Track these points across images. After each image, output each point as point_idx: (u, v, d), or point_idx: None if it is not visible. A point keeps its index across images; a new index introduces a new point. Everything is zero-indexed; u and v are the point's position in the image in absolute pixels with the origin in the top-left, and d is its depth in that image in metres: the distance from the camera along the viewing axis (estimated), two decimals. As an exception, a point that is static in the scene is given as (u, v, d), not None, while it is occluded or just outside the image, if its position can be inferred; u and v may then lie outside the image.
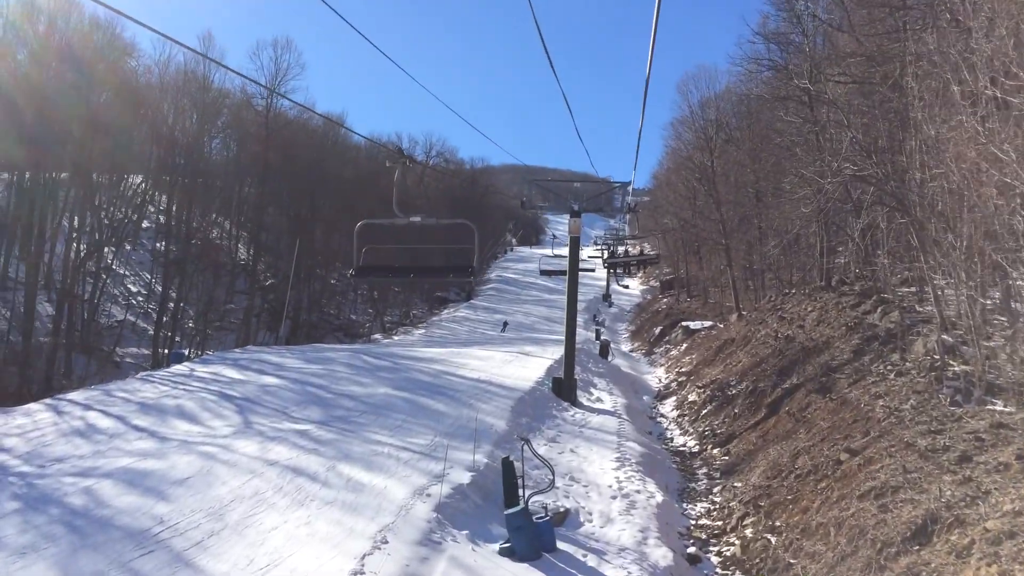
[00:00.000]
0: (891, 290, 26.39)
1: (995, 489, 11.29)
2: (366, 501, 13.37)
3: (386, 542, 11.64)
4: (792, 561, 12.58)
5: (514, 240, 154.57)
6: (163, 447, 17.13)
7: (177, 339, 48.57)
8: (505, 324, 56.63)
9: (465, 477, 14.90)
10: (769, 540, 13.62)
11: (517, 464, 14.95)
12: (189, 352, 44.30)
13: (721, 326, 45.38)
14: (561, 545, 12.86)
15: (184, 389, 23.92)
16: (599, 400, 26.57)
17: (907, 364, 17.54)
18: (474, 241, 13.99)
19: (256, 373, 26.29)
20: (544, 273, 44.47)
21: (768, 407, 21.68)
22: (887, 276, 26.54)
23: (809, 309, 28.09)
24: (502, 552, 12.41)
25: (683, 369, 37.31)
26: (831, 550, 12.13)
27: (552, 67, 14.27)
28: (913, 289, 26.50)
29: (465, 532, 12.72)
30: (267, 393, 23.13)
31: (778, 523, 14.11)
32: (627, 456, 19.10)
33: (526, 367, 29.05)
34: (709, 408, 25.55)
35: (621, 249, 63.79)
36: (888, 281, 26.83)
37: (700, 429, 24.23)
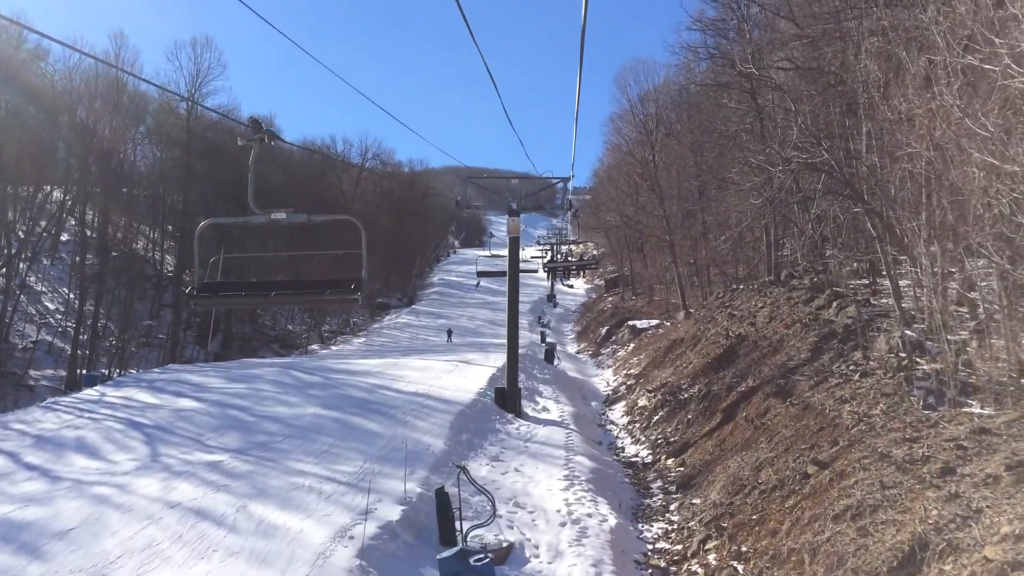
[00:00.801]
0: (843, 283, 25.45)
1: (987, 507, 10.03)
2: (278, 549, 11.58)
3: (297, 603, 9.91)
4: (763, 595, 11.19)
5: (456, 242, 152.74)
6: (52, 490, 15.07)
7: (102, 359, 45.69)
8: (449, 333, 54.19)
9: (395, 512, 13.20)
10: (736, 569, 12.22)
11: (455, 492, 13.34)
12: (109, 372, 41.61)
13: (668, 324, 44.34)
14: (504, 590, 11.28)
15: (89, 418, 21.73)
16: (545, 410, 25.07)
17: (871, 363, 16.37)
18: (362, 245, 11.03)
19: (172, 396, 24.16)
20: (481, 275, 42.82)
21: (723, 412, 20.41)
22: (839, 269, 25.60)
23: (759, 305, 27.00)
24: (436, 603, 10.78)
25: (631, 371, 36.05)
26: (807, 581, 10.78)
27: (483, 59, 12.67)
28: (865, 282, 25.62)
29: (393, 581, 11.05)
30: (181, 419, 21.08)
31: (744, 548, 12.72)
32: (576, 473, 17.61)
33: (467, 377, 27.42)
34: (661, 414, 24.23)
35: (564, 249, 62.60)
36: (840, 274, 25.89)
37: (652, 437, 22.88)
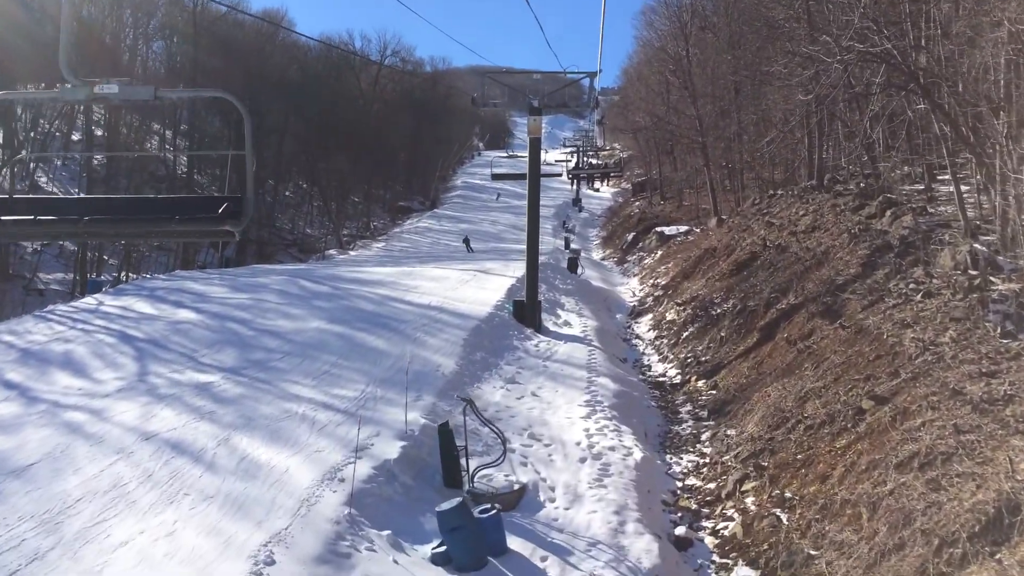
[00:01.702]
0: (896, 190, 23.29)
1: (1092, 462, 8.42)
2: (258, 493, 10.21)
3: (271, 562, 8.53)
4: (813, 552, 9.69)
5: (481, 144, 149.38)
6: (24, 414, 13.80)
7: (111, 262, 44.56)
8: (467, 241, 47.99)
9: (394, 449, 11.78)
10: (779, 518, 10.71)
11: (463, 424, 11.88)
12: (119, 276, 40.53)
13: (699, 231, 42.27)
14: (513, 543, 9.86)
15: (82, 329, 20.46)
16: (567, 324, 23.50)
17: (934, 281, 14.46)
18: (245, 141, 7.08)
19: (172, 306, 22.81)
20: (496, 177, 40.63)
21: (761, 331, 18.69)
22: (891, 173, 23.42)
23: (801, 213, 24.90)
24: (435, 559, 9.41)
25: (659, 280, 34.28)
26: (865, 541, 9.24)
27: None
28: (919, 187, 23.44)
29: (387, 532, 9.66)
30: (177, 332, 19.73)
31: (788, 493, 11.19)
32: (599, 397, 16.11)
33: (485, 288, 25.81)
34: (691, 330, 22.58)
35: (590, 153, 60.32)
36: (892, 179, 23.71)
37: (682, 355, 21.30)
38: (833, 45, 17.18)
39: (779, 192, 30.00)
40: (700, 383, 18.77)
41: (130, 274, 42.55)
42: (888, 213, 19.14)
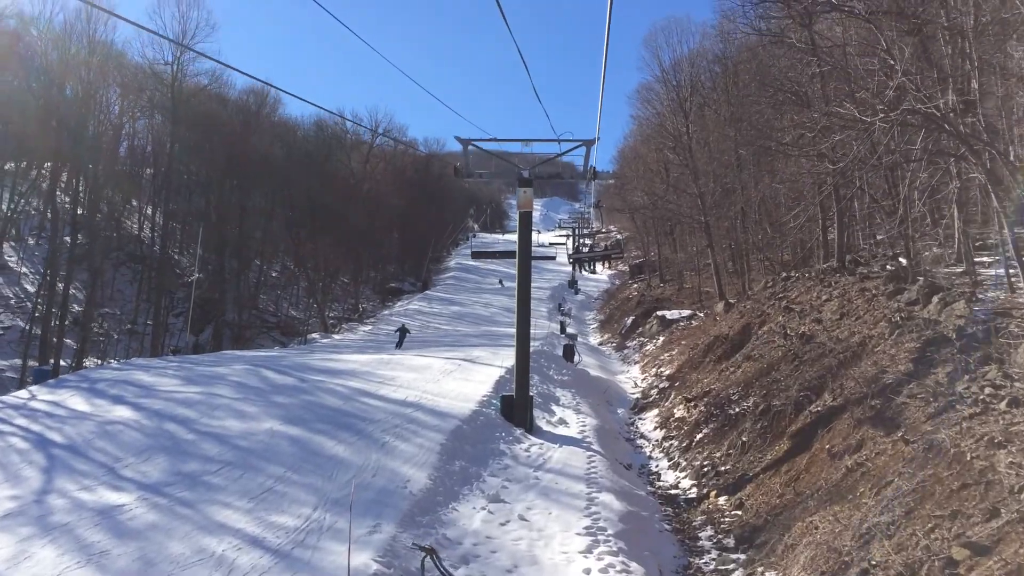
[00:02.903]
0: (928, 272, 20.77)
1: None
2: None
3: None
4: None
5: (476, 226, 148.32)
6: None
7: (72, 347, 41.67)
8: (402, 332, 36.25)
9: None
10: None
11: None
12: (76, 362, 37.58)
13: (703, 316, 39.71)
14: None
15: (-3, 430, 17.53)
16: (562, 422, 20.58)
17: (1016, 384, 11.70)
18: None
19: (110, 402, 19.91)
20: (477, 256, 38.19)
21: (792, 438, 15.81)
22: (929, 253, 20.96)
23: (824, 297, 22.31)
24: None
25: (663, 370, 31.47)
26: None
27: (506, 22, 8.21)
28: (957, 269, 20.91)
29: None
30: (105, 435, 16.80)
31: None
32: (601, 523, 13.14)
33: (470, 380, 22.96)
34: (705, 431, 19.65)
35: (586, 240, 58.41)
36: (927, 260, 21.22)
37: (696, 462, 18.32)
38: (867, 106, 14.83)
39: (794, 274, 27.47)
40: (721, 500, 15.78)
41: (88, 360, 39.60)
42: (936, 300, 16.50)
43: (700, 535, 14.54)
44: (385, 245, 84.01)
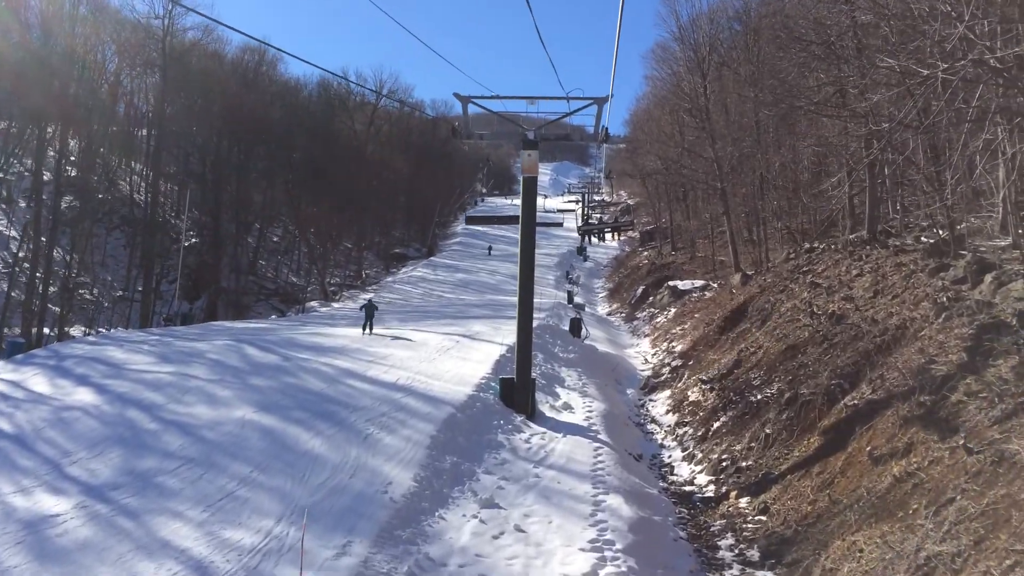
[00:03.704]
0: (972, 245, 18.82)
1: None
2: None
3: None
4: None
5: (484, 190, 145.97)
6: None
7: (61, 314, 40.06)
8: (368, 311, 27.32)
9: None
10: None
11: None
12: (59, 331, 36.02)
13: (716, 287, 37.85)
14: None
15: (-56, 416, 15.94)
16: (567, 407, 18.90)
17: (1102, 385, 9.89)
18: None
19: (73, 383, 18.32)
20: (471, 221, 36.33)
21: (824, 434, 14.05)
22: (970, 223, 19.01)
23: (854, 272, 20.42)
24: None
25: (675, 345, 29.70)
26: None
27: None
28: (1003, 243, 18.95)
29: None
30: (59, 423, 15.21)
31: None
32: (609, 533, 11.55)
33: (468, 359, 21.27)
34: (723, 420, 17.91)
35: (595, 212, 56.77)
36: (968, 231, 19.26)
37: (714, 455, 16.61)
38: (920, 59, 12.81)
39: (819, 246, 25.54)
40: (743, 501, 14.10)
41: (75, 329, 38.06)
42: (989, 279, 14.60)
43: (720, 544, 12.87)
44: (390, 209, 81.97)
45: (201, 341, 23.59)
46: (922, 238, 21.57)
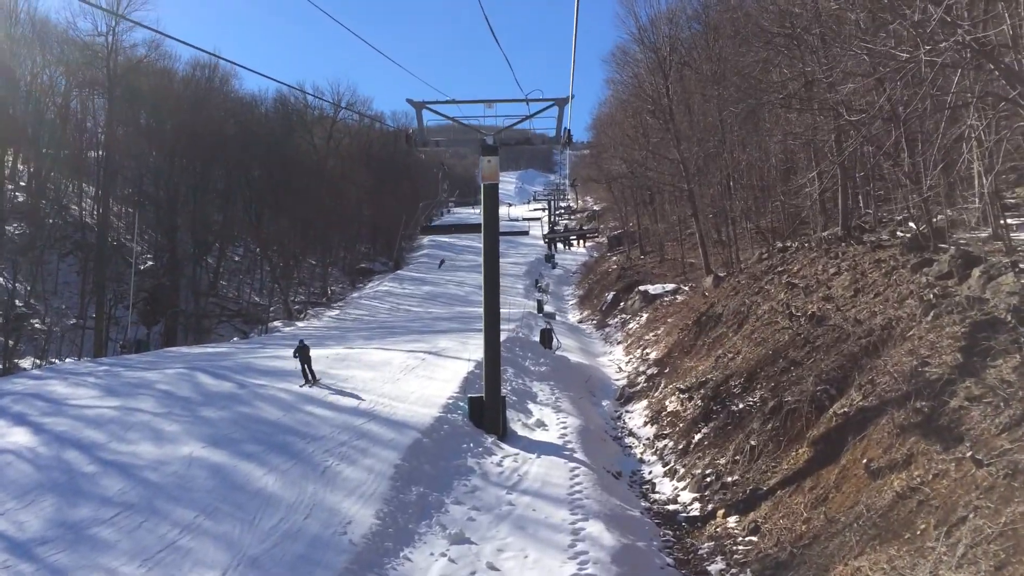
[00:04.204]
0: (950, 238, 18.19)
1: None
2: None
3: None
4: None
5: (452, 200, 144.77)
6: None
7: (19, 347, 38.37)
8: (301, 356, 20.61)
9: None
10: None
11: None
12: (12, 363, 34.45)
13: (687, 289, 37.18)
14: None
15: None
16: (540, 424, 17.93)
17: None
18: None
19: (9, 423, 17.01)
20: (426, 231, 34.80)
21: (814, 445, 13.21)
22: (947, 215, 18.41)
23: (831, 271, 19.73)
24: None
25: (649, 352, 28.90)
26: None
27: None
28: (983, 235, 18.34)
29: None
30: (-12, 470, 13.93)
31: None
32: (589, 567, 10.66)
33: (434, 378, 20.23)
34: (705, 431, 17.04)
35: (561, 219, 56.09)
36: (947, 223, 18.66)
37: (697, 470, 15.72)
38: (907, 39, 12.08)
39: (792, 244, 24.87)
40: (731, 520, 13.21)
41: (25, 361, 36.41)
42: (977, 273, 13.91)
43: (709, 569, 11.98)
44: (354, 224, 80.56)
45: (152, 370, 22.30)
46: (898, 232, 20.94)
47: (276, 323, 51.09)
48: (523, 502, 13.10)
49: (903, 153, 18.07)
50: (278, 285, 58.41)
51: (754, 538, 12.30)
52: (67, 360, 34.59)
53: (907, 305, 14.93)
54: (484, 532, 11.80)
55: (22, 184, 56.87)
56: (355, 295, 63.55)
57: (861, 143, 15.93)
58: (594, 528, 11.97)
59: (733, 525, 13.03)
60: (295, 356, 20.13)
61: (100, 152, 53.20)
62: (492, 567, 10.60)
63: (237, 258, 67.18)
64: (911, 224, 20.97)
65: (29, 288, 44.93)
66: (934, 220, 18.50)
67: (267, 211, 64.42)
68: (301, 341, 20.53)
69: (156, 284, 49.60)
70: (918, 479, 9.97)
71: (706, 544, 12.83)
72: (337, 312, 54.72)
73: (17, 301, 43.75)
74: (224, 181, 59.57)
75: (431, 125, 19.22)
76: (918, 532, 9.10)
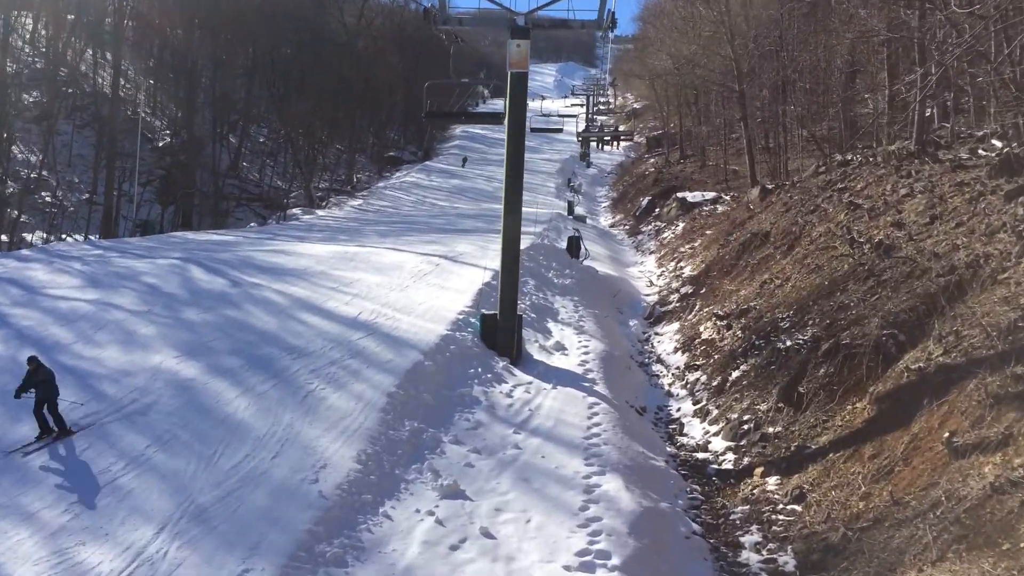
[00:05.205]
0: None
1: None
2: None
3: None
4: None
5: (487, 92, 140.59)
6: None
7: (23, 219, 36.93)
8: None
9: None
10: None
11: None
12: (11, 241, 33.07)
13: (728, 199, 34.67)
14: None
15: None
16: (559, 348, 16.09)
17: None
18: None
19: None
20: (430, 117, 32.18)
21: (879, 402, 11.22)
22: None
23: (903, 192, 17.30)
24: None
25: (684, 267, 26.79)
26: None
27: None
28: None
29: None
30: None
31: None
32: (603, 539, 9.02)
33: (446, 287, 18.35)
34: (744, 367, 15.10)
35: (600, 112, 53.11)
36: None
37: (733, 415, 13.85)
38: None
39: (855, 158, 22.28)
40: (771, 481, 11.41)
41: (34, 236, 35.09)
42: (1097, 207, 11.55)
43: (743, 541, 10.26)
44: (385, 110, 77.53)
45: (146, 258, 20.65)
46: (980, 151, 18.34)
47: (295, 211, 49.26)
48: (532, 445, 11.37)
49: (1004, 54, 15.36)
50: (300, 169, 56.30)
51: (798, 507, 10.51)
52: (73, 238, 33.20)
53: (999, 240, 12.65)
54: (483, 483, 10.11)
55: (42, 50, 54.67)
56: (380, 185, 61.36)
57: (971, 42, 13.21)
58: (611, 485, 10.25)
59: (773, 488, 11.23)
60: (22, 392, 10.48)
61: (116, 18, 50.63)
62: (486, 533, 8.92)
63: (262, 139, 64.94)
64: (995, 142, 18.40)
65: (42, 159, 43.29)
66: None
67: (293, 92, 61.65)
68: (34, 358, 10.86)
69: (173, 161, 47.69)
70: (1022, 470, 7.99)
71: (740, 508, 11.07)
72: (360, 202, 52.71)
73: (30, 172, 42.25)
74: (247, 56, 56.79)
75: (458, 7, 16.74)
76: (1022, 545, 7.19)
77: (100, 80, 50.84)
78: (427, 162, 71.72)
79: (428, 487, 9.84)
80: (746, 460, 12.35)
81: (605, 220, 48.00)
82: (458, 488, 9.88)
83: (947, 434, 9.26)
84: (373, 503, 9.20)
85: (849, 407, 11.74)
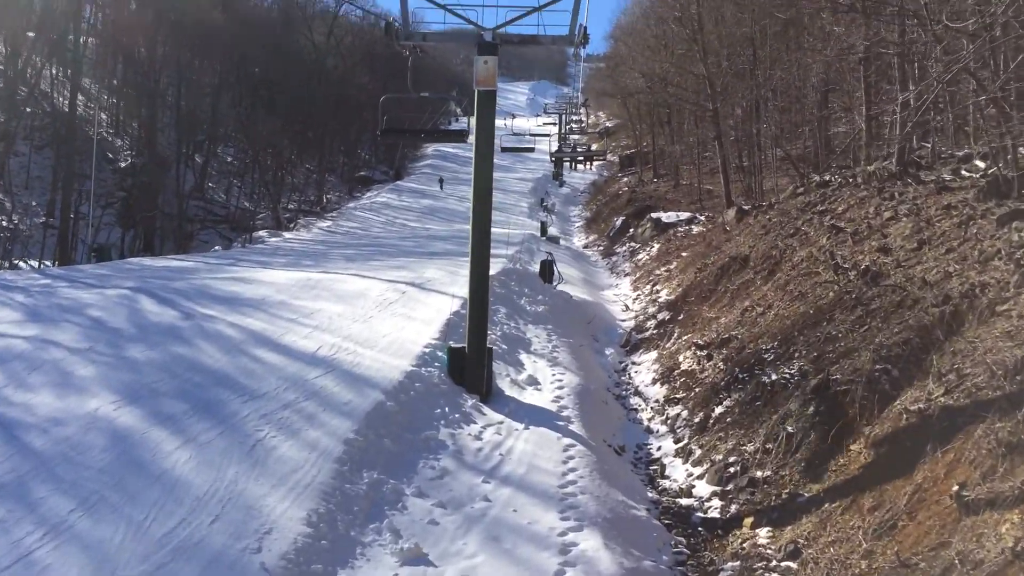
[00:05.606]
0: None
1: None
2: None
3: None
4: None
5: (459, 110, 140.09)
6: None
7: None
8: None
9: None
10: None
11: None
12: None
13: (703, 219, 34.13)
14: None
15: None
16: (532, 381, 15.24)
17: None
18: None
19: None
20: (386, 135, 31.39)
21: (875, 446, 10.42)
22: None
23: (886, 214, 16.68)
24: None
25: (660, 290, 26.07)
26: None
27: None
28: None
29: None
30: None
31: None
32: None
33: (413, 316, 17.44)
34: (728, 403, 14.29)
35: (573, 131, 52.87)
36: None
37: (718, 456, 12.99)
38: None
39: (834, 179, 21.69)
40: (762, 533, 10.54)
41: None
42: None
43: (735, 603, 9.36)
44: (355, 129, 76.66)
45: (95, 288, 19.51)
46: (963, 171, 17.81)
47: (261, 233, 48.06)
48: (502, 496, 10.45)
49: (990, 71, 14.81)
50: (268, 190, 55.16)
51: (793, 564, 9.64)
52: (28, 264, 31.89)
53: (995, 268, 11.97)
54: (448, 544, 9.16)
55: (0, 67, 53.20)
56: (351, 205, 60.41)
57: (965, 59, 12.59)
58: (589, 543, 9.35)
59: (765, 541, 10.36)
60: None
61: (77, 36, 49.38)
62: (451, 603, 7.97)
63: (229, 159, 63.72)
64: (978, 163, 17.87)
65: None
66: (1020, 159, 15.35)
67: (261, 110, 60.63)
68: None
69: (135, 182, 46.38)
70: (1045, 529, 7.19)
71: (729, 564, 10.18)
72: (329, 224, 51.68)
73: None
74: (213, 74, 55.70)
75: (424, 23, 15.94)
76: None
77: (60, 99, 49.44)
78: (398, 182, 70.93)
79: (387, 551, 8.88)
80: (733, 508, 11.49)
81: (579, 240, 47.42)
82: (420, 552, 8.92)
83: (956, 487, 8.43)
84: (324, 573, 8.21)
85: (844, 451, 10.93)
